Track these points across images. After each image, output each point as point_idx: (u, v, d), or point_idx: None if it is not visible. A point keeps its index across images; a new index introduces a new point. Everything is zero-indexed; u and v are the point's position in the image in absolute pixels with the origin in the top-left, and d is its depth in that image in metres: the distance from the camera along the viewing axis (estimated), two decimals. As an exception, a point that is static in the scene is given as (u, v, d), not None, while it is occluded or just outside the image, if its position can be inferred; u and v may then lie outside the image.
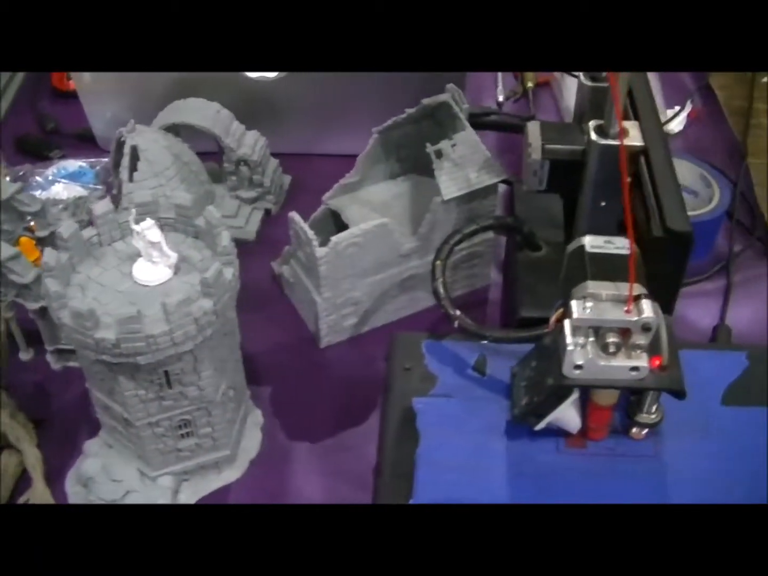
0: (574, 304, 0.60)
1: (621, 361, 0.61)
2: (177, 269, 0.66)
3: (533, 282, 0.78)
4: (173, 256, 0.65)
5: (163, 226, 0.69)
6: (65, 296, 0.63)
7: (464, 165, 0.81)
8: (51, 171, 0.99)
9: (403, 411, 0.68)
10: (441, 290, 0.73)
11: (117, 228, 0.68)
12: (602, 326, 0.60)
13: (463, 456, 0.65)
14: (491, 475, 0.64)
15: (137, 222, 0.64)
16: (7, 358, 0.78)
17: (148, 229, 0.64)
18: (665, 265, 0.65)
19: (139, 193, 0.69)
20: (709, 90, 1.13)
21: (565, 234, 0.79)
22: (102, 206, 0.68)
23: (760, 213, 0.98)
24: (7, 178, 0.98)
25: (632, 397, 0.66)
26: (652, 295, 0.64)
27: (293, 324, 0.86)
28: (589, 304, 0.59)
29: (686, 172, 0.94)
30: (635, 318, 0.59)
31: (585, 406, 0.66)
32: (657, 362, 0.62)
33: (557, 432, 0.66)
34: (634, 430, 0.67)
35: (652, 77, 1.07)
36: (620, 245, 0.65)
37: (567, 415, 0.65)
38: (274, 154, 0.99)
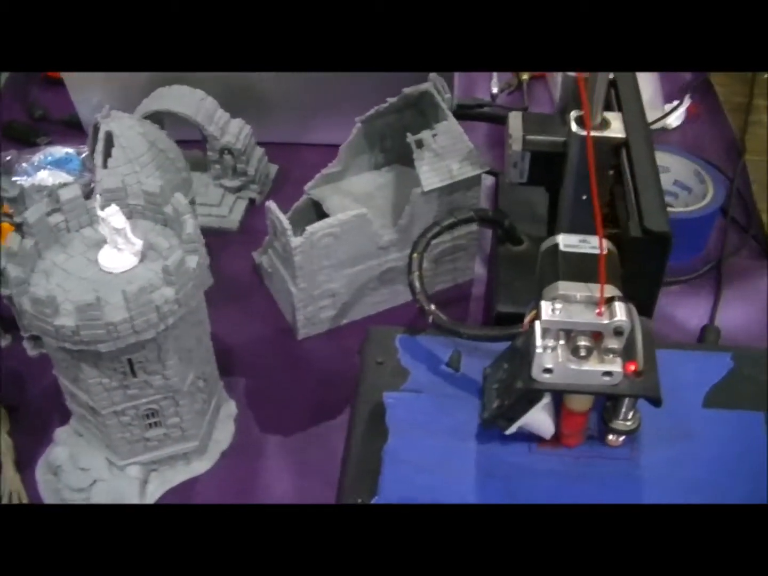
0: (543, 305, 0.58)
1: (593, 366, 0.59)
2: (143, 257, 0.65)
3: (513, 277, 0.76)
4: (138, 244, 0.64)
5: (132, 212, 0.68)
6: (27, 282, 0.62)
7: (446, 156, 0.79)
8: (37, 157, 0.98)
9: (373, 405, 0.67)
10: (416, 284, 0.71)
11: (85, 214, 0.67)
12: (573, 329, 0.58)
13: (432, 455, 0.63)
14: (460, 476, 0.62)
15: (102, 208, 0.63)
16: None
17: (113, 216, 0.63)
18: (643, 266, 0.63)
19: (107, 179, 0.67)
20: (708, 86, 1.11)
21: (548, 229, 0.77)
22: (69, 192, 0.67)
23: (757, 211, 0.96)
24: (-8, 164, 0.98)
25: (607, 402, 0.64)
26: (630, 297, 0.62)
27: (271, 315, 0.85)
28: (558, 305, 0.57)
29: (680, 167, 0.92)
30: (606, 321, 0.57)
31: (558, 410, 0.64)
32: (632, 367, 0.60)
33: (530, 434, 0.65)
34: (610, 437, 0.65)
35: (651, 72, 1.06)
36: (595, 245, 0.63)
37: (538, 419, 0.63)
38: (261, 143, 0.98)
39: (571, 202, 0.72)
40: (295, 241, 0.75)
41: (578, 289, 0.58)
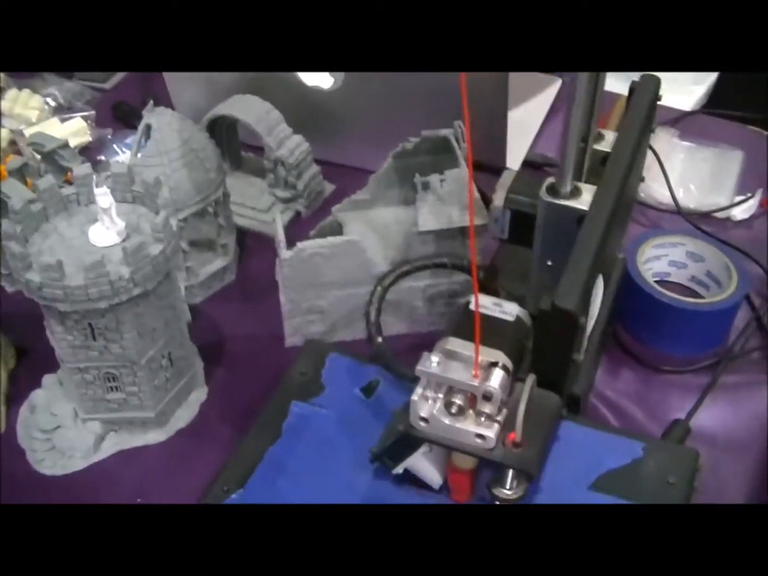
0: (425, 355, 0.60)
1: (466, 425, 0.60)
2: (128, 238, 0.72)
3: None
4: (121, 225, 0.72)
5: (135, 198, 0.76)
6: (19, 237, 0.71)
7: (450, 201, 0.82)
8: (129, 140, 1.09)
9: (278, 411, 0.71)
10: (372, 315, 0.75)
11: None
12: (447, 384, 0.60)
13: (308, 467, 0.67)
14: (322, 493, 0.65)
15: (96, 187, 0.71)
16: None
17: (101, 196, 0.71)
18: (550, 340, 0.63)
19: (117, 165, 0.75)
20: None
21: (527, 289, 0.78)
22: (82, 169, 0.75)
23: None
24: (88, 134, 1.10)
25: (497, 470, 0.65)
26: (539, 372, 0.63)
27: (272, 320, 0.90)
28: (435, 358, 0.59)
29: (715, 259, 0.89)
30: (477, 384, 0.58)
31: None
32: (511, 437, 0.61)
33: (412, 480, 0.66)
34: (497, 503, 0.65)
35: (735, 158, 1.02)
36: (508, 310, 0.65)
37: (422, 467, 0.65)
38: (327, 163, 1.04)
39: (537, 265, 0.73)
40: (285, 253, 0.81)
41: (466, 348, 0.60)
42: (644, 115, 0.74)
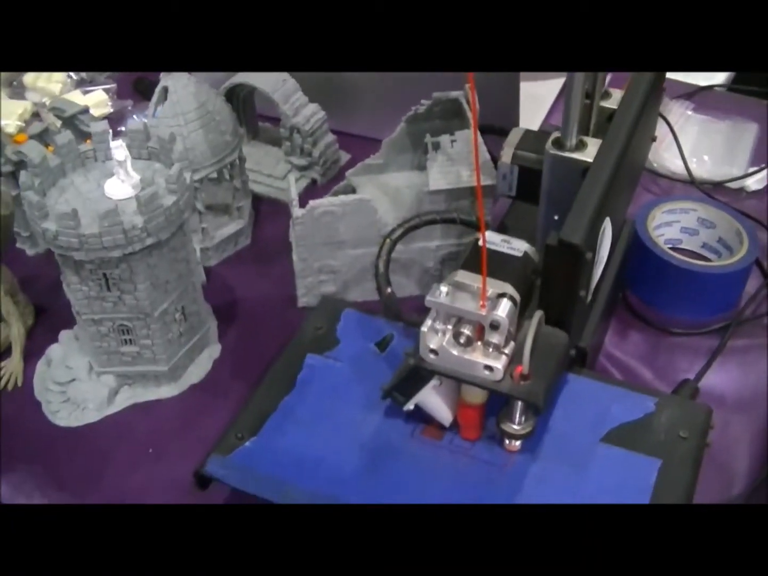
0: (436, 286, 0.61)
1: (475, 356, 0.61)
2: (141, 190, 0.74)
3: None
4: (136, 178, 0.73)
5: (151, 155, 0.77)
6: (36, 188, 0.72)
7: (459, 162, 0.82)
8: (146, 112, 1.10)
9: (292, 363, 0.72)
10: (381, 267, 0.76)
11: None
12: (455, 314, 0.61)
13: (320, 415, 0.68)
14: (333, 439, 0.66)
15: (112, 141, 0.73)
16: (6, 238, 0.87)
17: (117, 149, 0.72)
18: (557, 275, 0.63)
19: (133, 122, 0.77)
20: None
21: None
22: (99, 126, 0.77)
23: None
24: (109, 106, 1.12)
25: (505, 405, 0.65)
26: (547, 309, 0.64)
27: (285, 282, 0.92)
28: (444, 289, 0.60)
29: (726, 226, 0.89)
30: (485, 313, 0.59)
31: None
32: (519, 370, 0.61)
33: (423, 418, 0.67)
34: (506, 441, 0.66)
35: (749, 130, 1.03)
36: (516, 247, 0.66)
37: (432, 402, 0.66)
38: (343, 133, 1.05)
39: (543, 220, 0.73)
40: (297, 211, 0.82)
41: (474, 281, 0.61)
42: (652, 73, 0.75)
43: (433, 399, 0.65)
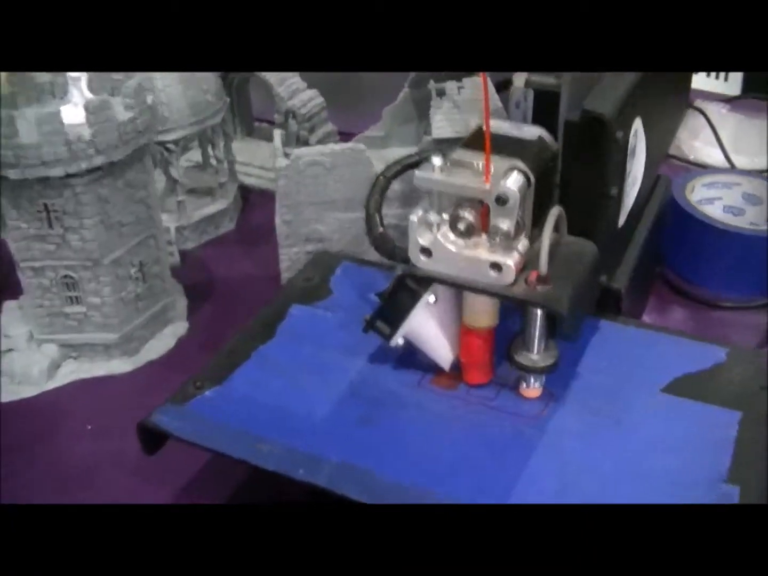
0: (428, 163, 0.49)
1: (478, 253, 0.49)
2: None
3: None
4: (89, 98, 0.63)
5: (114, 89, 0.67)
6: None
7: (467, 109, 0.72)
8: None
9: (275, 313, 0.59)
10: (371, 207, 0.64)
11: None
12: (458, 194, 0.49)
13: (303, 364, 0.55)
14: (319, 390, 0.53)
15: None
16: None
17: (75, 81, 0.63)
18: (581, 159, 0.52)
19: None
20: None
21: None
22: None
23: None
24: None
25: (520, 333, 0.52)
26: (566, 203, 0.52)
27: (269, 263, 0.80)
28: (438, 161, 0.48)
29: (755, 184, 0.78)
30: (489, 187, 0.47)
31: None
32: (534, 274, 0.49)
33: (430, 368, 0.54)
34: (523, 385, 0.52)
35: None
36: (529, 132, 0.54)
37: (426, 330, 0.52)
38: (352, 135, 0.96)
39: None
40: (281, 161, 0.71)
41: (476, 158, 0.49)
42: None
43: (427, 325, 0.52)
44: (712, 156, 0.92)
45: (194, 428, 0.52)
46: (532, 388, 0.52)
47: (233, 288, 0.78)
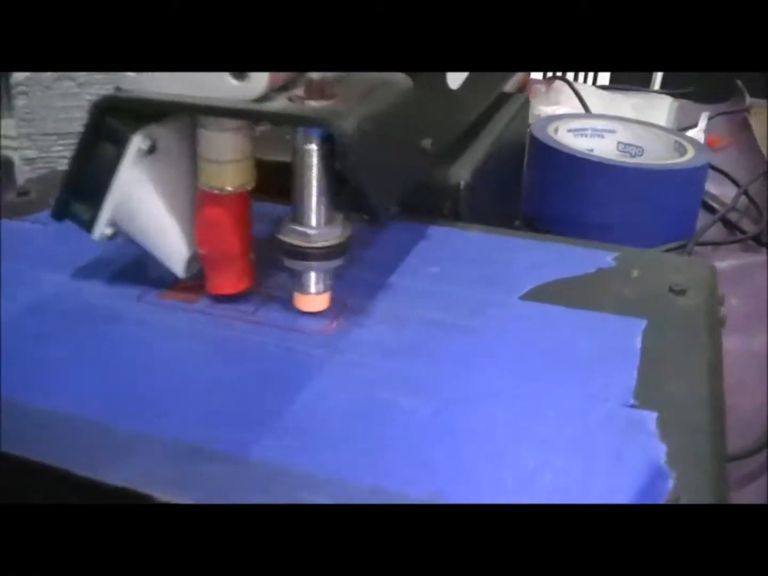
0: None
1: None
2: None
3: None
4: None
5: None
6: None
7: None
8: None
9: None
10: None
11: None
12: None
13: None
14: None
15: None
16: None
17: None
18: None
19: None
20: (746, 124, 0.83)
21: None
22: None
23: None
24: None
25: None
26: None
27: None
28: None
29: (661, 145, 0.64)
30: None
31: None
32: (307, 84, 0.31)
33: (164, 283, 0.35)
34: (297, 290, 0.33)
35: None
36: None
37: (145, 204, 0.33)
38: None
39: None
40: (18, 76, 0.52)
41: None
42: None
43: (141, 193, 0.33)
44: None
45: None
46: (313, 293, 0.33)
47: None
